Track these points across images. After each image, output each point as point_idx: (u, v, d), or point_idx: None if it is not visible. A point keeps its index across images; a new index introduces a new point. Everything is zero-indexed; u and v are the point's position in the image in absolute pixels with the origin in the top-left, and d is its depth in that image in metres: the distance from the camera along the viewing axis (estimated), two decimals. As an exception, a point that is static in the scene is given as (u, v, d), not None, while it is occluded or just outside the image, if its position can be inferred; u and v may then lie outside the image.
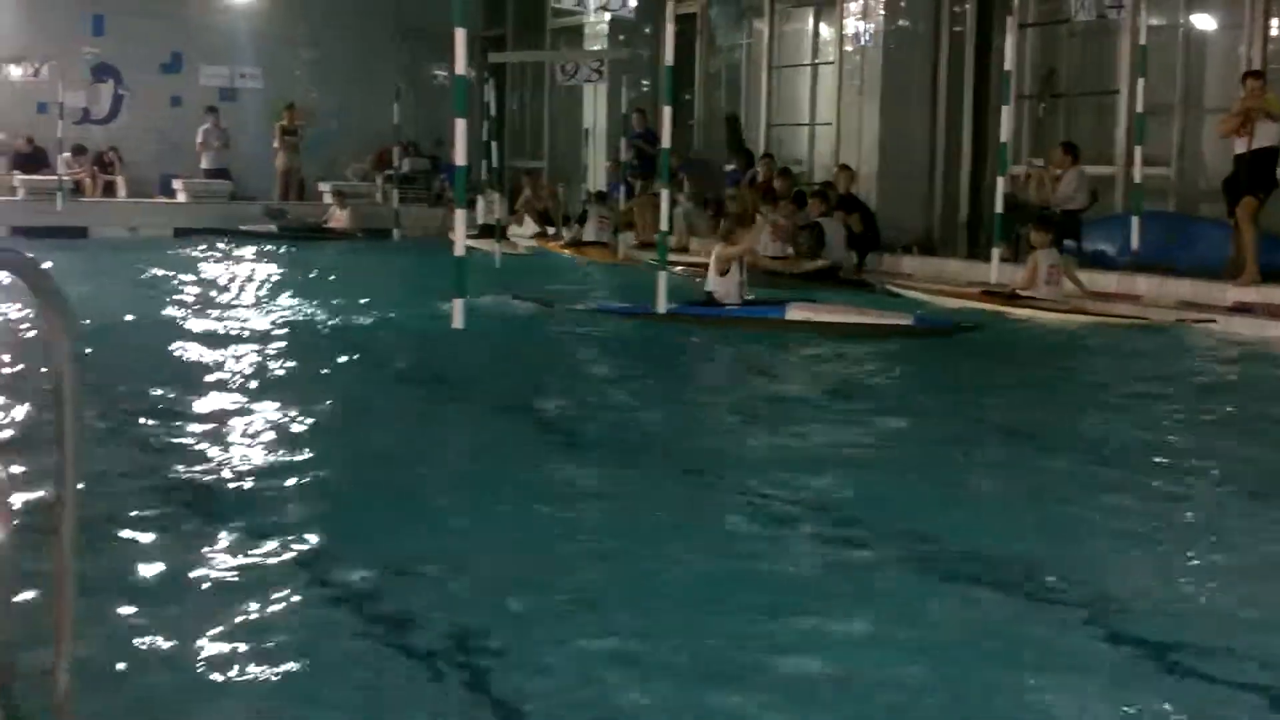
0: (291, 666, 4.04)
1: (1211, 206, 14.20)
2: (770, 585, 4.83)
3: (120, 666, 3.98)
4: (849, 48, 18.22)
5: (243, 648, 4.14)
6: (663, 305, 11.99)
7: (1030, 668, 4.09)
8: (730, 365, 10.46)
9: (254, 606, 4.48)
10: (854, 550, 5.34)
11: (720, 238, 12.26)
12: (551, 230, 21.29)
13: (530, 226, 21.61)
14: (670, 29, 13.09)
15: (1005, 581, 4.88)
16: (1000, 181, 14.37)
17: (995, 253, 14.17)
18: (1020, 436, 7.70)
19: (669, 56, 12.88)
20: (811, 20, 20.53)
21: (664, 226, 12.97)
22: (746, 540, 5.40)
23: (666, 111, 12.74)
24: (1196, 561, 5.26)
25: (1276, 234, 12.94)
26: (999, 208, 14.33)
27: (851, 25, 18.16)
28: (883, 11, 17.61)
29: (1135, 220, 13.87)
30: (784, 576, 4.95)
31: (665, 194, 12.97)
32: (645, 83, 21.98)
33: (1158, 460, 6.96)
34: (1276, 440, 7.71)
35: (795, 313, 11.56)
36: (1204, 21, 15.41)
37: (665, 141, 12.78)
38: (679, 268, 16.46)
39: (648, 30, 20.80)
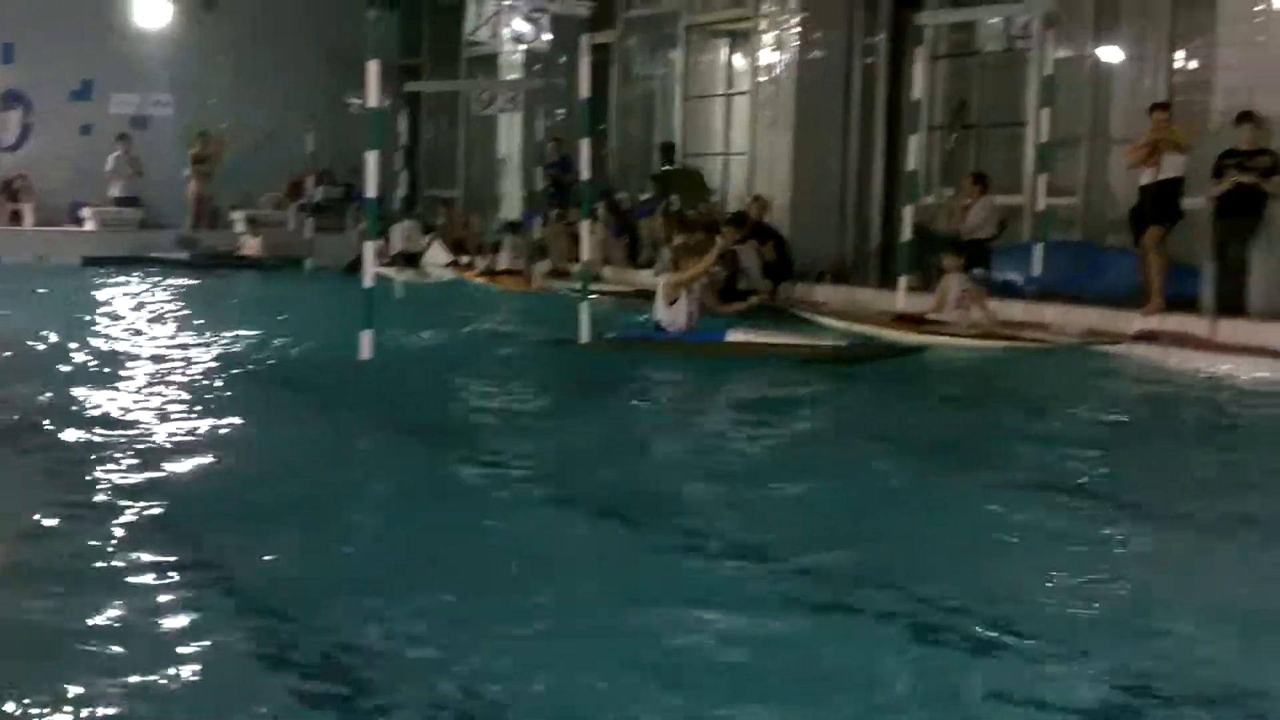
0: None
1: (1118, 236, 14.38)
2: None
3: None
4: (763, 78, 18.32)
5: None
6: (585, 334, 11.98)
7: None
8: (647, 389, 10.41)
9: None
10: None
11: (670, 266, 12.25)
12: (465, 259, 21.24)
13: (444, 255, 21.53)
14: (587, 60, 13.08)
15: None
16: (909, 211, 14.46)
17: (903, 281, 14.25)
18: (928, 456, 7.74)
19: (586, 88, 12.87)
20: (726, 51, 20.67)
21: (585, 255, 12.98)
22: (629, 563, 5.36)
23: (585, 143, 12.75)
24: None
25: (1181, 263, 13.09)
26: (907, 236, 14.42)
27: (765, 56, 18.26)
28: (796, 43, 17.73)
29: (1041, 249, 14.02)
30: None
31: (586, 224, 13.03)
32: (560, 112, 21.96)
33: (1062, 483, 7.00)
34: (1166, 461, 7.82)
35: (735, 336, 11.57)
36: (1111, 54, 15.64)
37: (585, 173, 12.81)
38: (594, 295, 16.48)
39: (562, 60, 20.78)
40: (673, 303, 11.73)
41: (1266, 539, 6.02)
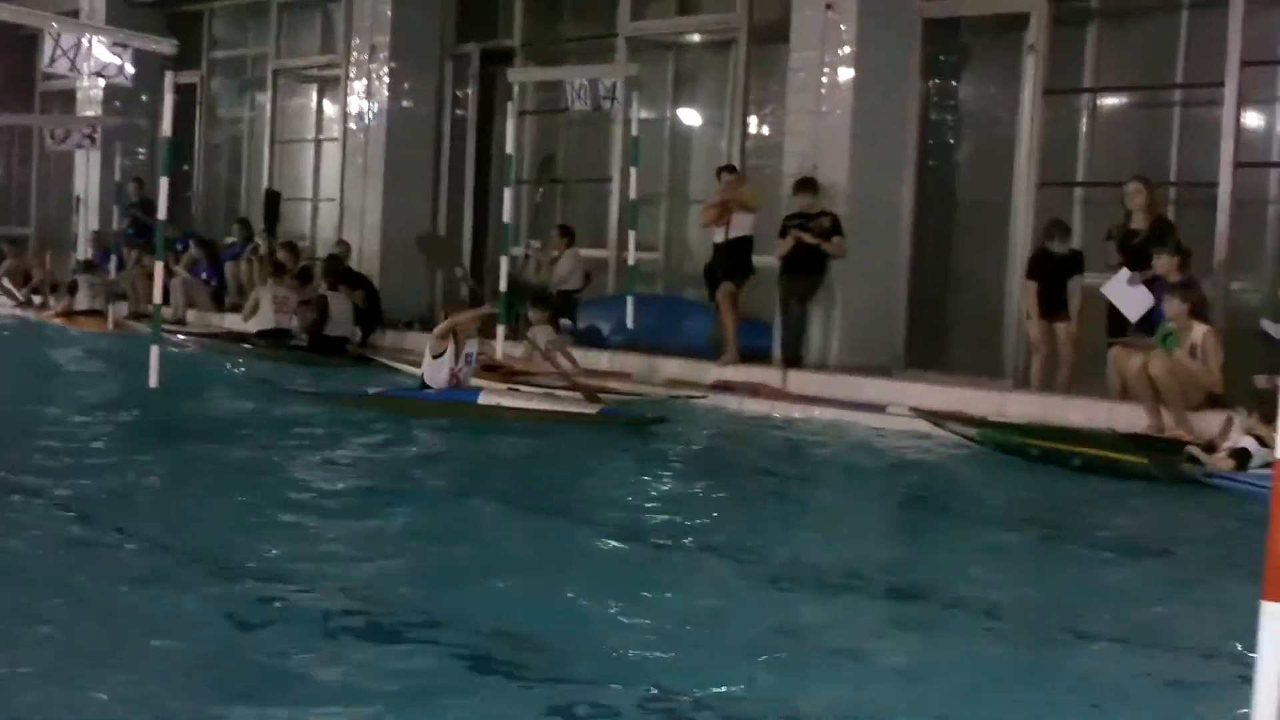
0: None
1: (697, 290, 15.07)
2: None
3: None
4: (353, 125, 18.32)
5: None
6: (154, 379, 11.70)
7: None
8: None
9: None
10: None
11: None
12: (38, 299, 20.36)
13: (13, 294, 20.60)
14: (170, 98, 12.81)
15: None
16: (502, 261, 14.75)
17: (500, 331, 14.50)
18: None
19: (168, 127, 12.62)
20: (315, 96, 20.54)
21: (158, 297, 12.72)
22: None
23: (164, 182, 12.49)
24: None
25: (753, 318, 13.84)
26: (501, 287, 14.70)
27: (355, 104, 18.27)
28: (386, 92, 17.82)
29: (629, 301, 14.58)
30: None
31: (160, 265, 12.78)
32: (142, 151, 21.33)
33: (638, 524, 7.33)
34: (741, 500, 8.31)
35: (487, 398, 11.19)
36: (689, 116, 16.44)
37: (162, 213, 12.57)
38: (180, 336, 16.18)
39: (145, 98, 20.21)
40: (437, 357, 11.26)
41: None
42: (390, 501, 7.91)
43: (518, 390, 11.57)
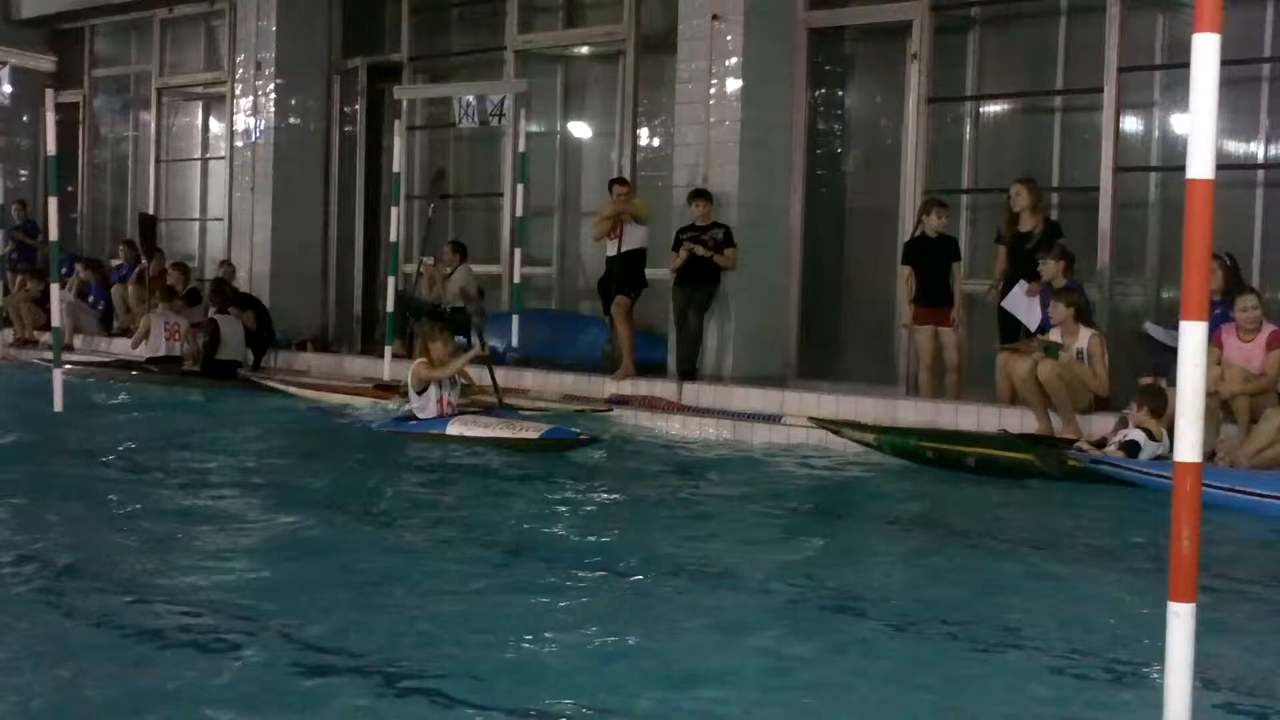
0: None
1: (592, 304, 15.05)
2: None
3: None
4: (240, 143, 18.10)
5: None
6: (59, 404, 11.55)
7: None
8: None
9: None
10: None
11: (420, 350, 11.59)
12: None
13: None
14: (52, 117, 12.60)
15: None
16: (391, 280, 14.65)
17: (389, 350, 14.42)
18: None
19: (52, 146, 12.43)
20: (201, 114, 20.28)
21: (56, 320, 12.56)
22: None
23: (53, 203, 12.35)
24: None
25: (648, 331, 13.86)
26: (390, 305, 14.61)
27: (242, 121, 18.05)
28: (273, 109, 17.64)
29: (516, 320, 14.54)
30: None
31: (56, 289, 12.62)
32: (24, 173, 20.95)
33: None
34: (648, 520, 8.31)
35: (454, 428, 11.03)
36: (580, 129, 16.42)
37: (53, 234, 12.42)
38: (68, 365, 15.83)
39: (25, 118, 19.86)
40: (422, 391, 11.22)
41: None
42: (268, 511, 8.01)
43: (476, 421, 11.20)
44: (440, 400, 11.26)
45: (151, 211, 19.81)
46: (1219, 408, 9.44)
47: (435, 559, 7.02)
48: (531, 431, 10.77)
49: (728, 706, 4.73)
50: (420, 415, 11.27)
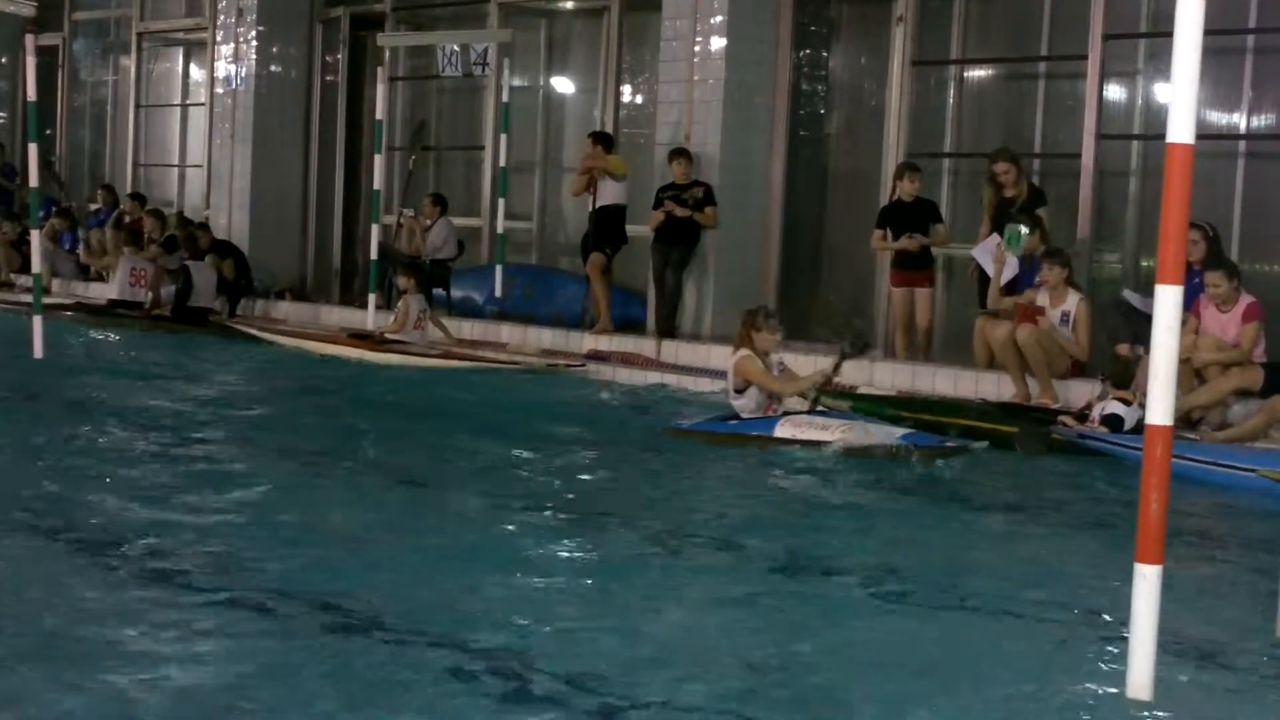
0: None
1: (571, 260, 15.04)
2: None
3: None
4: (220, 90, 17.97)
5: None
6: (39, 350, 11.50)
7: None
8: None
9: None
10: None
11: (741, 344, 9.51)
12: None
13: None
14: (32, 61, 12.50)
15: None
16: (374, 230, 14.61)
17: (371, 299, 14.38)
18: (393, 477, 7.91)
19: (31, 90, 12.34)
20: (181, 60, 20.14)
21: (36, 266, 12.52)
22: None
23: (33, 148, 12.27)
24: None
25: (628, 288, 13.85)
26: (373, 255, 14.57)
27: (222, 68, 17.91)
28: (254, 56, 17.50)
29: (499, 270, 14.51)
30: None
31: (36, 234, 12.57)
32: (2, 116, 20.79)
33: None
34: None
35: (784, 429, 9.17)
36: (563, 84, 16.34)
37: (33, 180, 12.44)
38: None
39: (4, 61, 19.69)
40: (742, 389, 9.44)
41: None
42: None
43: (813, 423, 9.29)
44: (759, 399, 9.49)
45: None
46: (1192, 375, 9.47)
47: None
48: (887, 438, 8.99)
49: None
50: (742, 413, 9.52)
